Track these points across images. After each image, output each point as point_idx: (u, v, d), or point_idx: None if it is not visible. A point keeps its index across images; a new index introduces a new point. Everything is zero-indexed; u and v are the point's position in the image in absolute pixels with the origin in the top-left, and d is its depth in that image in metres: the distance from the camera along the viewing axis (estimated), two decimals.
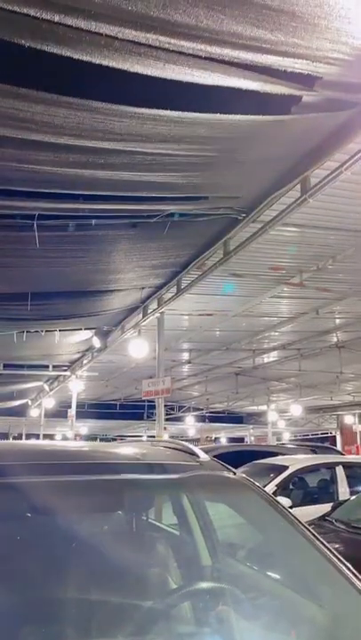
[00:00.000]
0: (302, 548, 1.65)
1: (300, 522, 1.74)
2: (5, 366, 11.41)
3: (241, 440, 23.14)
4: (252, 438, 23.07)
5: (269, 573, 1.97)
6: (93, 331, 9.05)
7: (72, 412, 13.60)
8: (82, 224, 4.54)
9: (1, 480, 1.54)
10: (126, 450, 2.07)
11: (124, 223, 4.62)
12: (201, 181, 4.02)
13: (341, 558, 1.57)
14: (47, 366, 12.06)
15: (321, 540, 1.65)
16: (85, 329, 8.76)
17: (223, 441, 23.44)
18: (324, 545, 1.62)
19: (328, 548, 1.61)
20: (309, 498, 6.93)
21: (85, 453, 2.10)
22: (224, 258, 5.49)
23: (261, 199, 4.58)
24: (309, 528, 1.72)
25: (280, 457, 8.12)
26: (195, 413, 21.13)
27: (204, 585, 1.79)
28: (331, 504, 5.88)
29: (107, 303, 7.20)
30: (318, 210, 4.79)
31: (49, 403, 15.87)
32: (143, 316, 7.85)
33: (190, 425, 21.73)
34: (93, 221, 4.49)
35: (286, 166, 4.09)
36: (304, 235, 5.48)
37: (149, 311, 7.71)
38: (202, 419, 21.48)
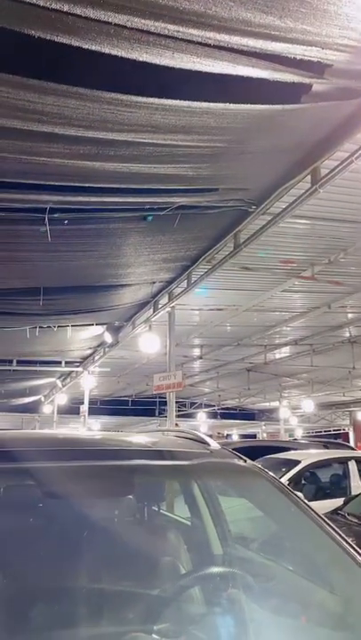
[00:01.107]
0: (314, 534, 1.64)
1: (311, 509, 1.73)
2: (19, 362, 11.50)
3: (253, 437, 23.08)
4: (265, 435, 22.99)
5: (280, 559, 1.97)
6: (105, 326, 9.09)
7: (84, 408, 13.66)
8: (92, 217, 4.56)
9: (14, 465, 1.56)
10: (138, 438, 2.09)
11: (134, 216, 4.63)
12: (211, 173, 4.01)
13: (353, 545, 1.57)
14: (59, 362, 12.14)
15: (333, 526, 1.65)
16: (97, 324, 8.80)
17: (235, 438, 23.40)
18: (335, 531, 1.61)
19: (340, 535, 1.61)
20: (322, 492, 6.90)
21: (97, 440, 2.12)
22: (234, 251, 5.48)
23: (271, 191, 4.56)
24: (321, 515, 1.71)
25: (292, 452, 8.10)
26: (206, 410, 21.13)
27: (215, 570, 1.80)
28: (343, 498, 5.86)
29: (118, 298, 7.23)
30: (329, 202, 4.77)
31: (61, 399, 15.96)
32: (154, 311, 7.87)
33: (202, 421, 21.74)
34: (103, 214, 4.50)
35: (296, 157, 4.08)
36: (315, 227, 5.45)
37: (160, 306, 7.73)
38: (213, 415, 21.47)
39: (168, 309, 7.60)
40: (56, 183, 3.92)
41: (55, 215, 4.43)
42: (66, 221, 4.55)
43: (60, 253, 5.30)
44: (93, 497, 1.86)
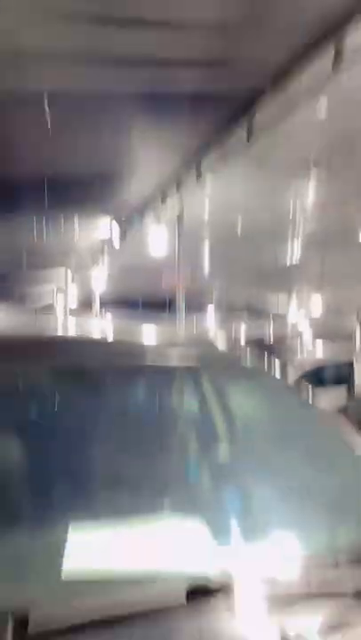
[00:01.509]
0: (317, 428, 1.68)
1: (315, 405, 1.77)
2: (27, 261, 11.48)
3: (261, 337, 23.53)
4: (273, 335, 23.42)
5: (284, 449, 2.05)
6: (111, 222, 8.92)
7: (95, 307, 13.88)
8: (93, 96, 4.25)
9: (30, 360, 1.58)
10: (147, 336, 2.10)
11: (138, 94, 4.31)
12: (225, 45, 3.64)
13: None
14: (68, 259, 12.11)
15: (337, 419, 1.68)
16: (103, 219, 8.63)
17: (243, 337, 23.89)
18: (339, 424, 1.65)
19: (343, 428, 1.64)
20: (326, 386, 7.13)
21: (107, 338, 2.14)
22: (248, 141, 5.16)
23: (291, 69, 4.16)
24: (325, 409, 1.74)
25: (301, 354, 8.27)
26: (216, 309, 21.37)
27: (222, 457, 1.88)
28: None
29: (124, 191, 7.01)
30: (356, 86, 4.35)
31: (72, 297, 16.16)
32: (162, 206, 7.66)
33: (211, 320, 22.09)
34: (106, 89, 4.17)
35: (318, 30, 3.67)
36: (335, 114, 5.06)
37: (168, 201, 7.49)
38: (223, 315, 21.73)
39: (177, 205, 7.38)
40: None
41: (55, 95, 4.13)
42: (65, 105, 4.23)
43: (61, 140, 5.03)
44: (105, 391, 1.93)
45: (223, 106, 4.75)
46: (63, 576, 0.97)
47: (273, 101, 4.60)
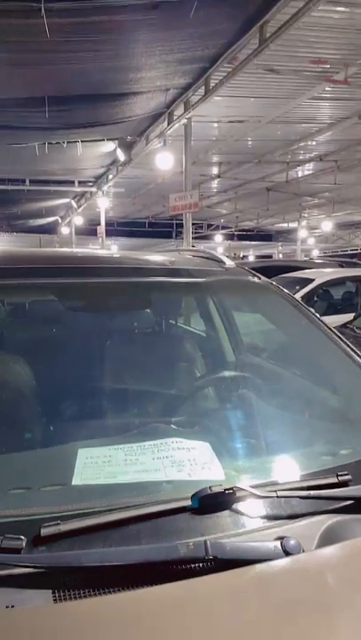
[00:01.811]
0: (322, 344, 1.69)
1: (321, 321, 1.76)
2: (31, 182, 11.22)
3: (269, 258, 23.29)
4: (281, 256, 23.18)
5: (289, 366, 2.08)
6: (116, 142, 8.56)
7: (102, 228, 13.69)
8: (94, 6, 3.94)
9: (38, 281, 1.59)
10: (155, 256, 2.08)
11: (143, 4, 3.98)
12: None
13: (357, 352, 1.62)
14: (73, 182, 11.80)
15: (340, 336, 1.69)
16: (108, 140, 8.27)
17: (251, 259, 23.67)
18: (342, 340, 1.66)
19: (346, 343, 1.65)
20: (333, 309, 7.13)
21: (117, 259, 2.12)
22: (259, 47, 4.81)
23: None
24: (330, 327, 1.75)
25: (307, 271, 8.18)
26: (223, 232, 21.04)
27: (227, 373, 1.91)
28: (353, 314, 6.06)
29: (128, 109, 6.65)
30: None
31: (78, 220, 15.93)
32: (168, 124, 7.29)
33: (218, 243, 21.81)
34: (105, 2, 3.86)
35: None
36: (354, 17, 4.67)
37: (175, 117, 7.13)
38: (230, 237, 21.43)
39: (184, 121, 7.02)
40: None
41: (52, 4, 3.83)
42: (64, 13, 3.95)
43: (61, 54, 4.72)
44: (114, 311, 1.96)
45: (235, 13, 4.39)
46: (74, 482, 1.03)
47: (285, 6, 4.24)
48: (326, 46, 5.29)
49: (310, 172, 11.54)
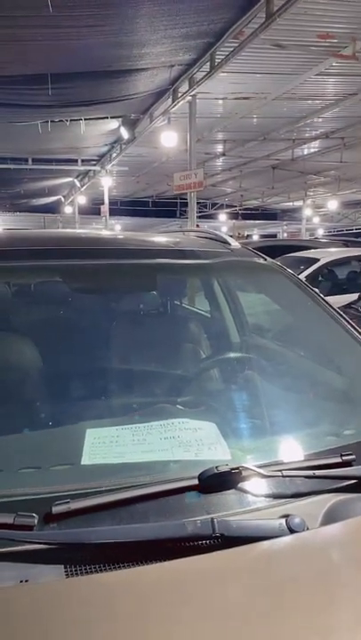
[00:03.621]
0: (326, 325, 1.69)
1: (326, 302, 1.76)
2: (34, 161, 11.13)
3: (273, 237, 23.14)
4: (285, 235, 23.01)
5: (294, 347, 2.09)
6: (120, 120, 8.45)
7: (105, 208, 13.61)
8: None
9: (43, 262, 1.59)
10: (160, 237, 2.07)
11: None
12: None
13: None
14: (76, 160, 11.69)
15: (344, 317, 1.69)
16: (111, 117, 8.17)
17: (255, 238, 23.52)
18: (346, 321, 1.66)
19: (350, 324, 1.66)
20: (338, 288, 7.10)
21: (121, 240, 2.12)
22: (266, 22, 4.71)
23: None
24: (335, 308, 1.75)
25: (312, 250, 8.12)
26: (227, 210, 20.87)
27: (232, 354, 1.92)
28: (358, 294, 6.03)
29: (132, 86, 6.54)
30: None
31: (82, 199, 15.83)
32: (173, 101, 7.18)
33: (223, 222, 21.66)
34: None
35: None
36: None
37: (180, 95, 7.01)
38: (235, 216, 21.28)
39: (189, 98, 6.91)
40: None
41: None
42: None
43: (64, 29, 4.63)
44: (119, 292, 1.96)
45: None
46: (83, 462, 1.05)
47: None
48: (334, 20, 5.17)
49: (316, 149, 11.39)
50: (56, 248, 1.71)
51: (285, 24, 4.92)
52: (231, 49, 5.55)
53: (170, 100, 7.29)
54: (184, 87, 6.89)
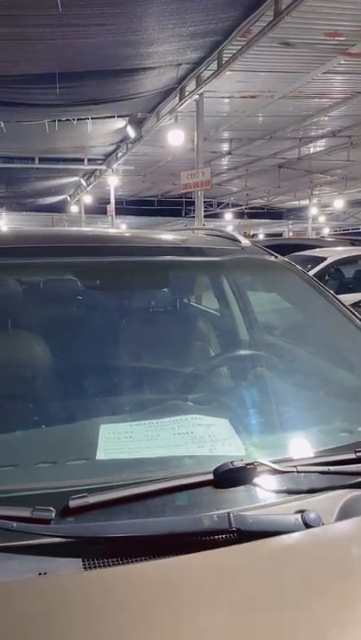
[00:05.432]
0: (337, 323, 1.69)
1: (338, 299, 1.76)
2: (41, 160, 11.16)
3: (279, 236, 23.08)
4: (291, 234, 22.95)
5: (304, 345, 2.08)
6: (126, 118, 8.45)
7: (111, 207, 13.62)
8: None
9: (52, 260, 1.60)
10: (169, 235, 2.07)
11: None
12: None
13: None
14: (82, 160, 11.71)
15: (356, 314, 1.69)
16: (118, 116, 8.18)
17: (261, 237, 23.47)
18: (358, 318, 1.66)
19: None
20: (345, 287, 7.08)
21: (130, 238, 2.12)
22: (274, 20, 4.70)
23: None
24: (347, 305, 1.74)
25: (318, 249, 8.11)
26: (233, 209, 20.85)
27: (242, 351, 1.92)
28: None
29: (139, 84, 6.55)
30: None
31: (88, 199, 15.86)
32: (180, 100, 7.18)
33: (229, 221, 21.63)
34: None
35: None
36: None
37: (187, 93, 7.01)
38: (240, 215, 21.24)
39: (196, 97, 6.91)
40: None
41: None
42: None
43: (73, 28, 4.64)
44: (131, 290, 1.97)
45: None
46: (98, 457, 1.06)
47: None
48: (342, 18, 5.16)
49: (323, 148, 11.36)
50: (67, 245, 1.72)
51: (293, 22, 4.91)
52: (239, 47, 5.54)
53: (177, 98, 7.29)
54: (191, 86, 6.89)
